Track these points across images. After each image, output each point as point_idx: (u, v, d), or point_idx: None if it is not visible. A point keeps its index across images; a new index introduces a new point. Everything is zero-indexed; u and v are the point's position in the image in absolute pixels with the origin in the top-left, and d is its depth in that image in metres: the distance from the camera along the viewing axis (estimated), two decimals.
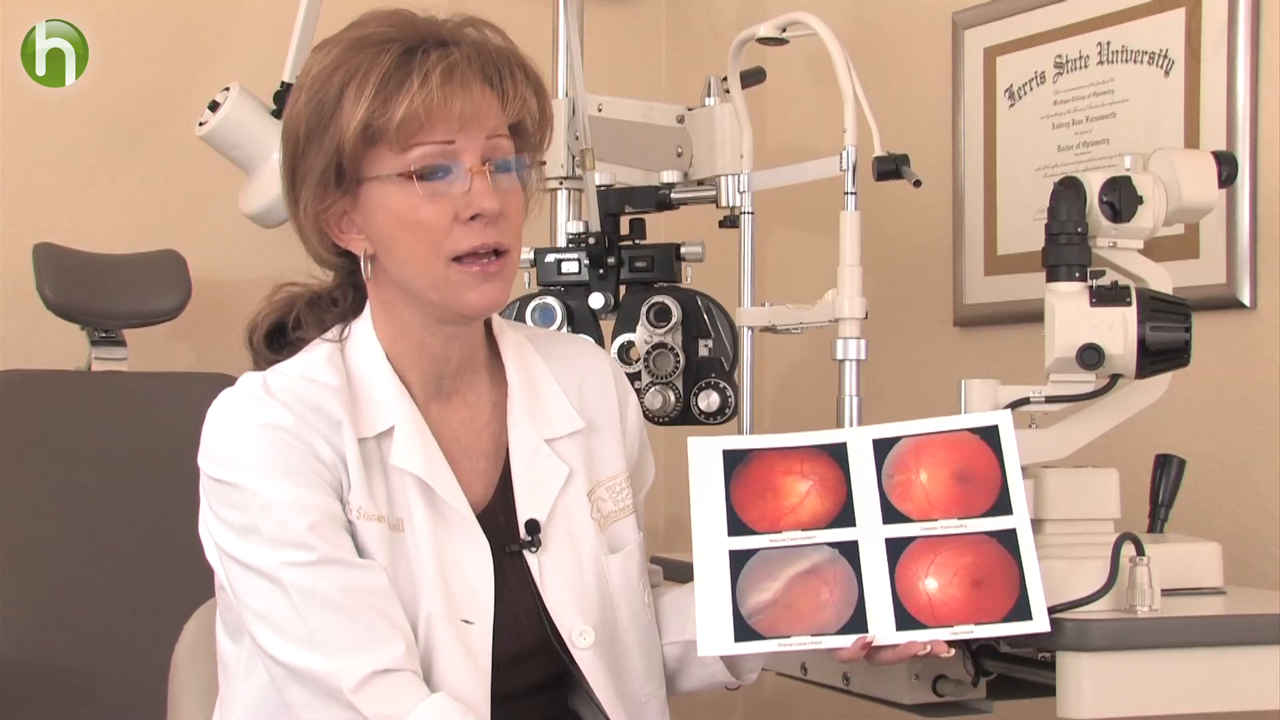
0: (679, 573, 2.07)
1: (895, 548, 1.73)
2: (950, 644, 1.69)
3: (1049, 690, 1.79)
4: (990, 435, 1.78)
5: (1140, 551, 1.79)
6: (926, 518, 1.75)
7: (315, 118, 1.63)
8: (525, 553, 1.70)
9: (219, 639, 1.74)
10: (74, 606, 2.63)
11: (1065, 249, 1.93)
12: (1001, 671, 1.93)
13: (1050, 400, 1.95)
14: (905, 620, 1.69)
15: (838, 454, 1.80)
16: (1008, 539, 1.72)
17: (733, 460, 1.80)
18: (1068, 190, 1.94)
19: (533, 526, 1.70)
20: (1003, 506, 1.74)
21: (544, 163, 1.76)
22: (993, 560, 1.71)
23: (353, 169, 1.62)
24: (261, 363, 1.73)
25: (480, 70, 1.63)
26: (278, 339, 1.74)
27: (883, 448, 1.80)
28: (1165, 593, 1.81)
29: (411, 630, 1.61)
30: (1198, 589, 1.91)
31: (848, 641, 1.69)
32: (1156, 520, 2.03)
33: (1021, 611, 1.68)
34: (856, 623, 1.69)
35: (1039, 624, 1.68)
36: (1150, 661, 1.76)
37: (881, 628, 1.69)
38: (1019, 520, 1.73)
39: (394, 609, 1.60)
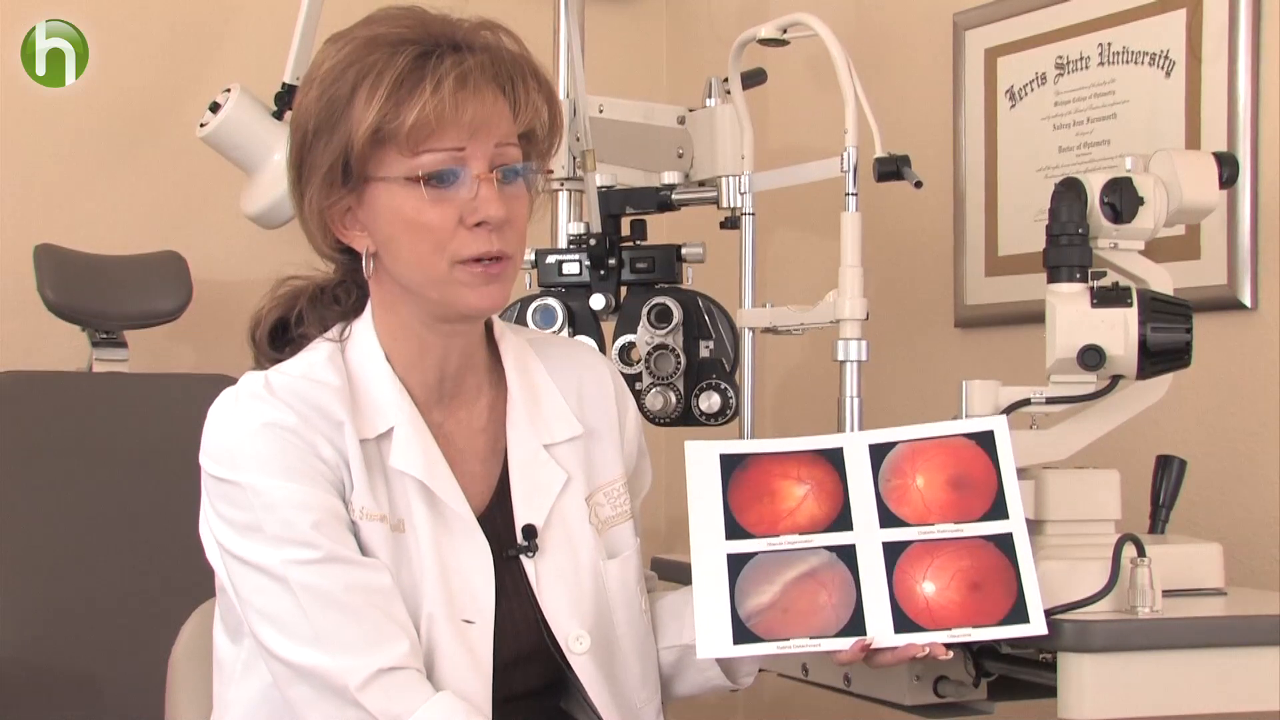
0: (680, 574, 2.07)
1: (892, 551, 1.74)
2: (949, 646, 1.69)
3: (1050, 691, 1.79)
4: (986, 440, 1.79)
5: (1141, 552, 1.79)
6: (923, 522, 1.75)
7: (325, 114, 1.62)
8: (522, 558, 1.70)
9: (216, 640, 1.74)
10: (74, 606, 2.63)
11: (1066, 250, 1.93)
12: (1002, 672, 1.93)
13: (1051, 401, 1.95)
14: (903, 623, 1.69)
15: (834, 458, 1.80)
16: (1004, 543, 1.73)
17: (730, 464, 1.81)
18: (1068, 191, 1.94)
19: (529, 531, 1.70)
20: (999, 511, 1.75)
21: (551, 170, 1.76)
22: (990, 564, 1.72)
23: (360, 168, 1.62)
24: (263, 360, 1.73)
25: (493, 77, 1.63)
26: (280, 336, 1.74)
27: (879, 453, 1.80)
28: (1166, 594, 1.81)
29: (414, 629, 1.61)
30: (1199, 590, 1.91)
31: (846, 644, 1.69)
32: (1157, 521, 2.03)
33: (1019, 614, 1.69)
34: (855, 625, 1.70)
35: (1036, 627, 1.68)
36: (1151, 662, 1.77)
37: (880, 630, 1.69)
38: (1015, 524, 1.74)
39: (397, 608, 1.61)
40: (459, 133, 1.60)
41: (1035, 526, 1.90)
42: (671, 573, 2.18)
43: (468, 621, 1.64)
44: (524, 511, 1.71)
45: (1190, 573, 1.91)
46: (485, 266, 1.63)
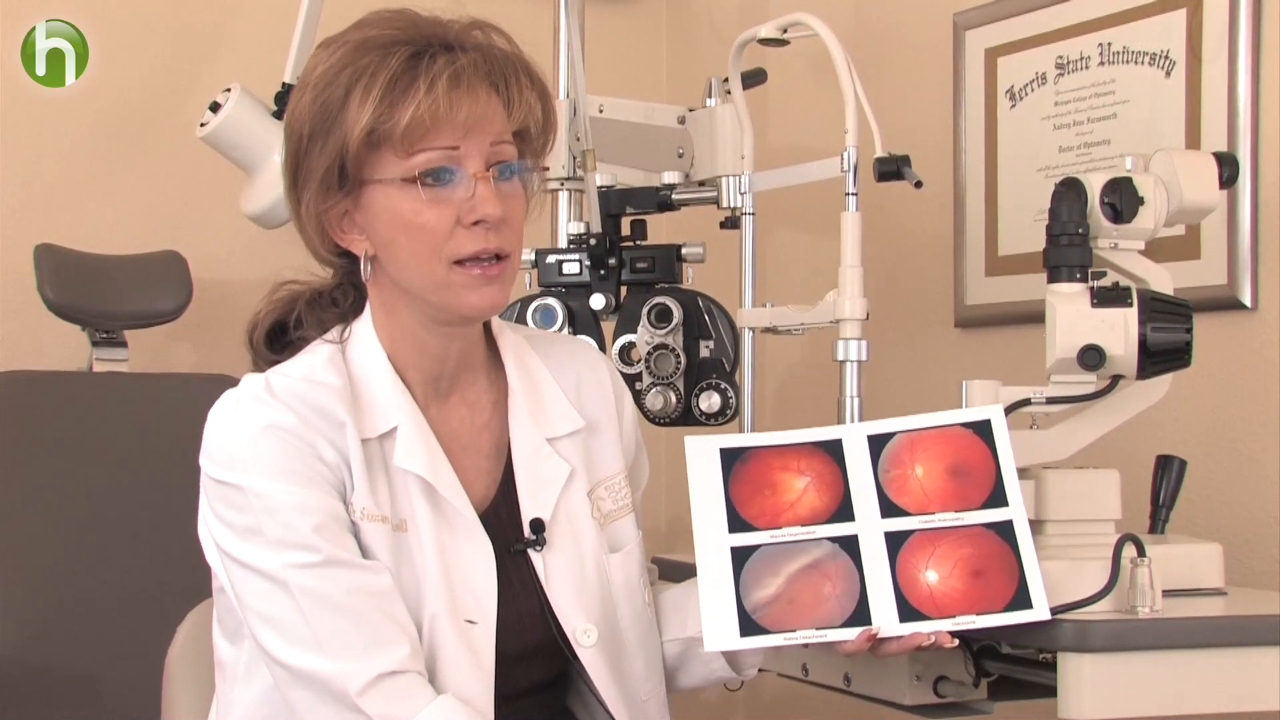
0: (680, 573, 2.07)
1: (895, 541, 1.75)
2: (953, 634, 1.70)
3: (1050, 691, 1.79)
4: (983, 430, 1.80)
5: (1141, 552, 1.79)
6: (924, 511, 1.76)
7: (320, 118, 1.62)
8: (530, 551, 1.70)
9: (216, 641, 1.74)
10: (74, 606, 2.63)
11: (1066, 250, 1.93)
12: (1002, 672, 1.93)
13: (1051, 401, 1.95)
14: (908, 612, 1.70)
15: (833, 450, 1.81)
16: (1005, 530, 1.74)
17: (730, 458, 1.81)
18: (1069, 191, 1.94)
19: (537, 525, 1.70)
20: (998, 499, 1.76)
21: (547, 168, 1.76)
22: (991, 551, 1.73)
23: (356, 171, 1.62)
24: (261, 363, 1.73)
25: (486, 76, 1.63)
26: (278, 339, 1.74)
27: (877, 443, 1.81)
28: (1166, 594, 1.81)
29: (416, 631, 1.61)
30: (1199, 590, 1.91)
31: (852, 634, 1.70)
32: (1157, 521, 2.03)
33: (1022, 601, 1.69)
34: (860, 615, 1.71)
35: (1039, 612, 1.69)
36: (1151, 662, 1.77)
37: (885, 620, 1.70)
38: (1015, 512, 1.75)
39: (399, 610, 1.61)
40: (454, 131, 1.61)
41: (1035, 526, 1.90)
42: (673, 573, 2.18)
43: (470, 622, 1.64)
44: (530, 506, 1.71)
45: (1190, 573, 1.91)
46: (484, 268, 1.63)
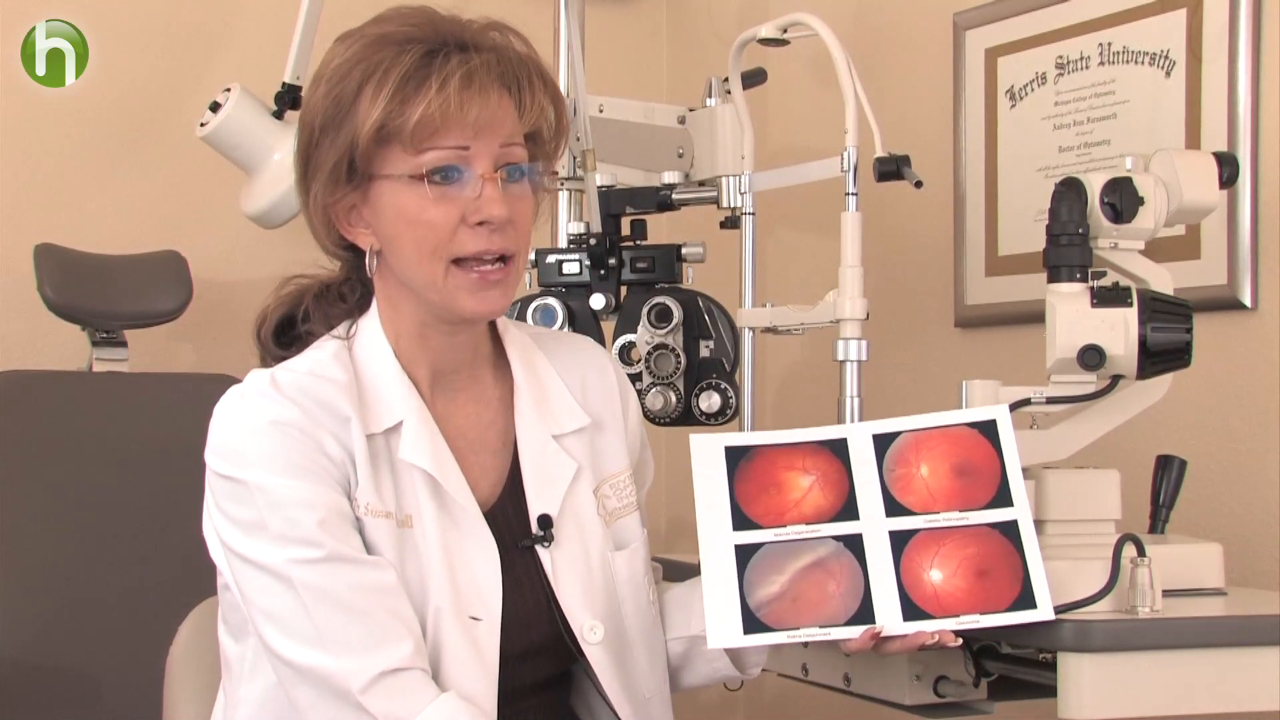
0: (680, 573, 2.07)
1: (899, 540, 1.75)
2: (957, 633, 1.70)
3: (1050, 691, 1.79)
4: (989, 430, 1.80)
5: (1141, 552, 1.79)
6: (928, 510, 1.77)
7: (332, 111, 1.63)
8: (537, 548, 1.70)
9: (221, 639, 1.74)
10: (74, 606, 2.63)
11: (1066, 250, 1.93)
12: (1003, 672, 1.93)
13: (1051, 401, 1.95)
14: (912, 611, 1.71)
15: (838, 449, 1.82)
16: (1009, 530, 1.74)
17: (735, 456, 1.82)
18: (1069, 191, 1.94)
19: (545, 521, 1.71)
20: (1003, 499, 1.76)
21: (556, 172, 1.77)
22: (996, 551, 1.73)
23: (365, 165, 1.63)
24: (268, 358, 1.73)
25: (499, 77, 1.64)
26: (285, 333, 1.75)
27: (882, 443, 1.81)
28: (1166, 593, 1.81)
29: (420, 627, 1.61)
30: (1199, 590, 1.91)
31: (856, 632, 1.70)
32: (1157, 521, 2.03)
33: (1026, 600, 1.70)
34: (864, 614, 1.71)
35: (1043, 612, 1.69)
36: (1151, 662, 1.77)
37: (889, 618, 1.70)
38: (1020, 512, 1.75)
39: (403, 607, 1.61)
40: (463, 131, 1.61)
41: (1035, 526, 1.90)
42: (673, 573, 2.18)
43: (474, 619, 1.64)
44: (538, 502, 1.72)
45: (1190, 573, 1.91)
46: (484, 272, 1.64)
